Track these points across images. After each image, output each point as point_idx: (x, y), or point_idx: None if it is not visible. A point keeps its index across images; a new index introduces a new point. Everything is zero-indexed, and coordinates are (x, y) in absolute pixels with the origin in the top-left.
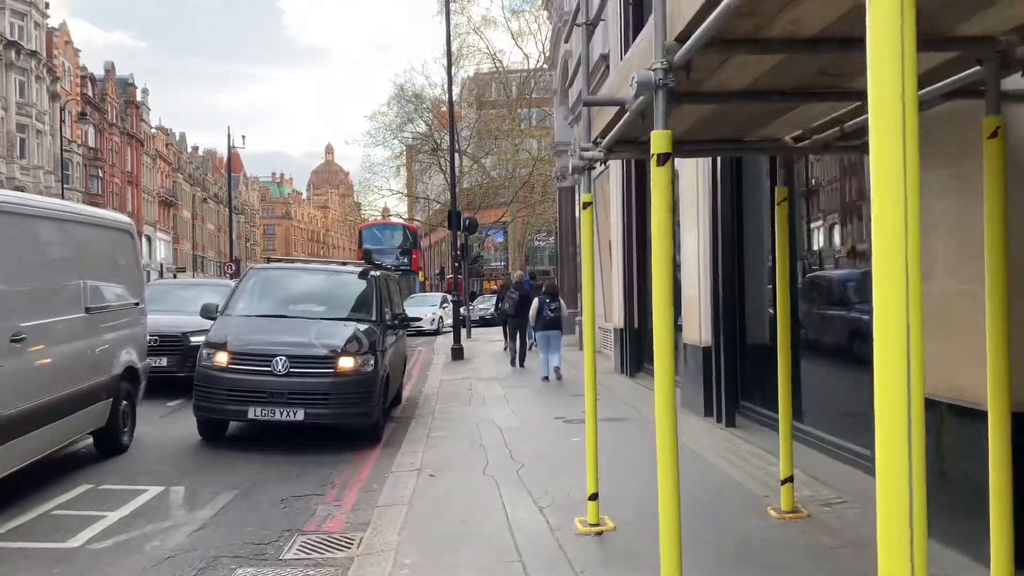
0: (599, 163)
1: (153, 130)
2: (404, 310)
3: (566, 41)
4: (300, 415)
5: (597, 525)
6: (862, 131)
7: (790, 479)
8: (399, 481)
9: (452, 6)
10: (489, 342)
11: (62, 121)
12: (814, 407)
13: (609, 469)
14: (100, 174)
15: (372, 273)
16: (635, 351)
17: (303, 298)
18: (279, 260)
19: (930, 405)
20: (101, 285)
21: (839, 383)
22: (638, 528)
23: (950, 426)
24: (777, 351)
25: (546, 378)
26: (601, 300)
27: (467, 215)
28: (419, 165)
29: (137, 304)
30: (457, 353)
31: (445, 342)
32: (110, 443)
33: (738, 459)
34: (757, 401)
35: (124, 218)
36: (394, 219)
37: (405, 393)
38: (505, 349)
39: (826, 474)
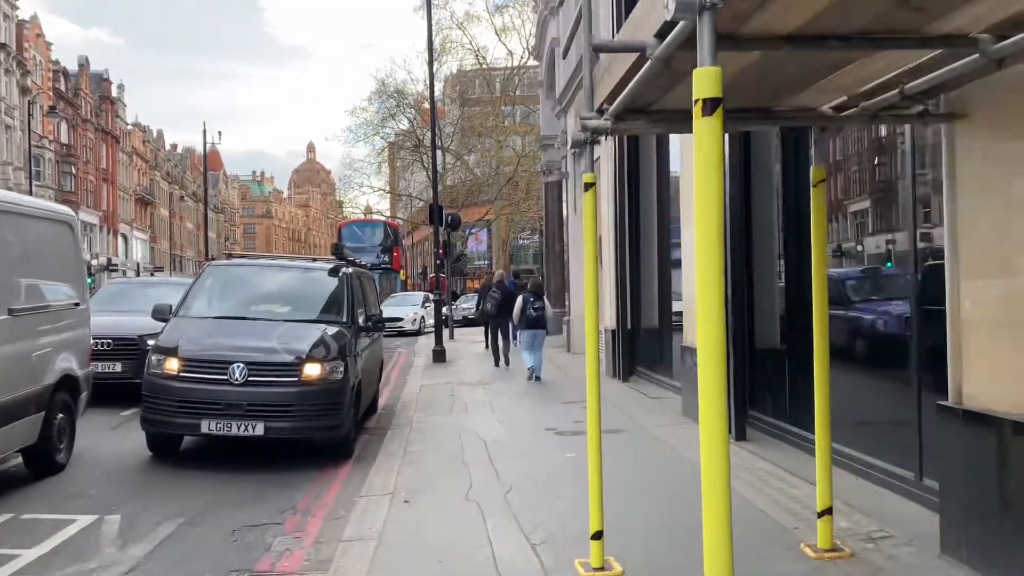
0: (604, 136)
1: (129, 127)
2: (381, 310)
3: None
4: (260, 429)
5: (602, 569)
6: (931, 92)
7: (829, 511)
8: (369, 508)
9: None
10: (472, 343)
11: (30, 115)
12: (842, 421)
13: (609, 493)
14: (73, 171)
15: (344, 270)
16: (628, 354)
17: (266, 298)
18: (241, 256)
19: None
20: (32, 283)
21: (870, 393)
22: (653, 573)
23: None
24: (794, 356)
25: (532, 376)
26: None
27: (450, 212)
28: (401, 162)
29: (77, 305)
30: (439, 355)
31: (427, 343)
32: (42, 462)
33: (755, 479)
34: (769, 411)
35: (63, 209)
36: (375, 216)
37: (382, 400)
38: (487, 348)
39: (861, 500)
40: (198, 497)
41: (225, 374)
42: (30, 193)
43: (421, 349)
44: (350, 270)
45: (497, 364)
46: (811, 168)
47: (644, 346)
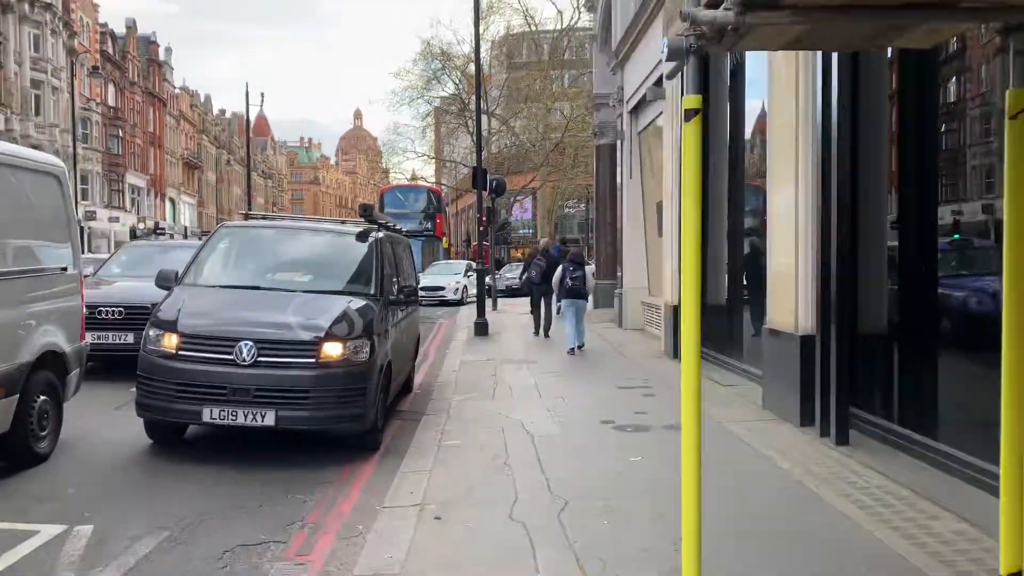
0: (727, 31)
1: (177, 90)
2: (417, 280)
3: None
4: (270, 419)
5: None
6: None
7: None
8: (392, 525)
9: None
10: (517, 315)
11: (74, 76)
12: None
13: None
14: (120, 134)
15: (374, 235)
16: (691, 330)
17: (284, 265)
18: (261, 217)
19: None
20: (6, 244)
21: None
22: None
23: None
24: (906, 344)
25: (572, 351)
26: (646, 271)
27: (494, 177)
28: (446, 127)
29: (65, 270)
30: (481, 328)
31: (469, 314)
32: (17, 453)
33: (874, 502)
34: (877, 411)
35: (50, 159)
36: (419, 182)
37: (418, 379)
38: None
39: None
40: (193, 501)
41: (231, 353)
42: (74, 155)
43: (463, 320)
44: (381, 234)
45: (536, 333)
46: (1007, 93)
47: (709, 324)
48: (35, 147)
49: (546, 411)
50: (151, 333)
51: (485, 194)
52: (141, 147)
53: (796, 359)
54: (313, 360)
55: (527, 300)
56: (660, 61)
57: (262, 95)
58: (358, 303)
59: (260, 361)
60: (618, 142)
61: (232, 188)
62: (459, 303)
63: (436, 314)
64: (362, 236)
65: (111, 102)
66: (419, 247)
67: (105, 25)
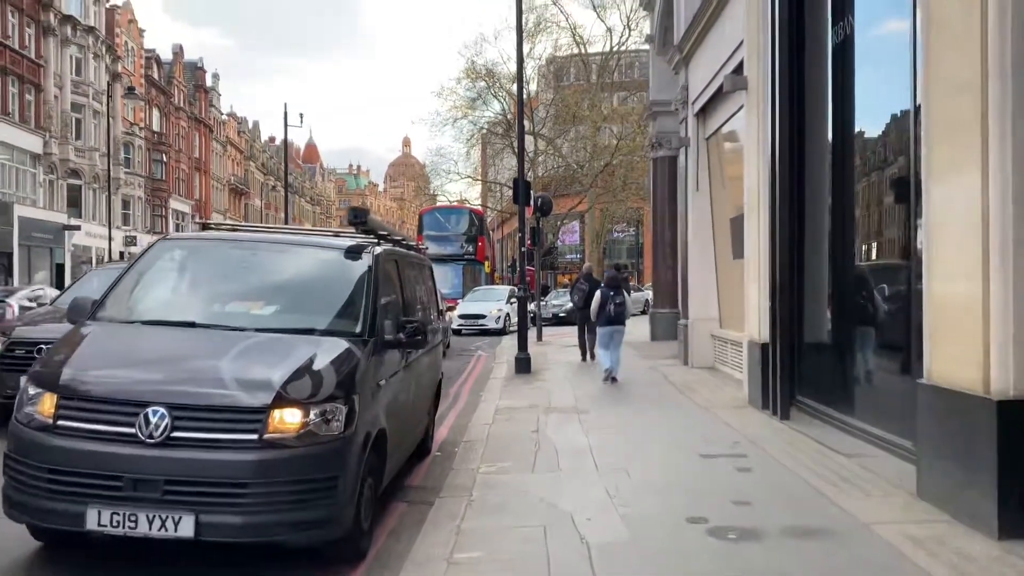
0: None
1: (224, 116)
2: (440, 309)
3: None
4: (187, 527)
5: None
6: None
7: None
8: None
9: None
10: (563, 347)
11: (110, 97)
12: None
13: None
14: (164, 159)
15: (371, 251)
16: (787, 378)
17: (240, 292)
18: (219, 227)
19: None
20: None
21: None
22: None
23: None
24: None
25: (613, 379)
26: (716, 299)
27: (540, 194)
28: (492, 149)
29: None
30: (522, 364)
31: (511, 344)
32: None
33: None
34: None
35: None
36: (461, 203)
37: (441, 433)
38: (583, 359)
39: None
40: None
41: (132, 425)
42: (108, 179)
43: (504, 352)
44: (380, 250)
45: (584, 359)
46: None
47: (810, 368)
48: (74, 172)
49: (606, 495)
50: (28, 392)
51: (529, 212)
52: (186, 172)
53: (988, 435)
54: (255, 437)
55: (575, 330)
56: (740, 44)
57: (301, 115)
58: (335, 347)
59: (175, 438)
60: (681, 150)
61: (279, 214)
62: (501, 332)
63: (475, 345)
64: (353, 253)
65: (155, 127)
66: (460, 271)
67: (152, 51)
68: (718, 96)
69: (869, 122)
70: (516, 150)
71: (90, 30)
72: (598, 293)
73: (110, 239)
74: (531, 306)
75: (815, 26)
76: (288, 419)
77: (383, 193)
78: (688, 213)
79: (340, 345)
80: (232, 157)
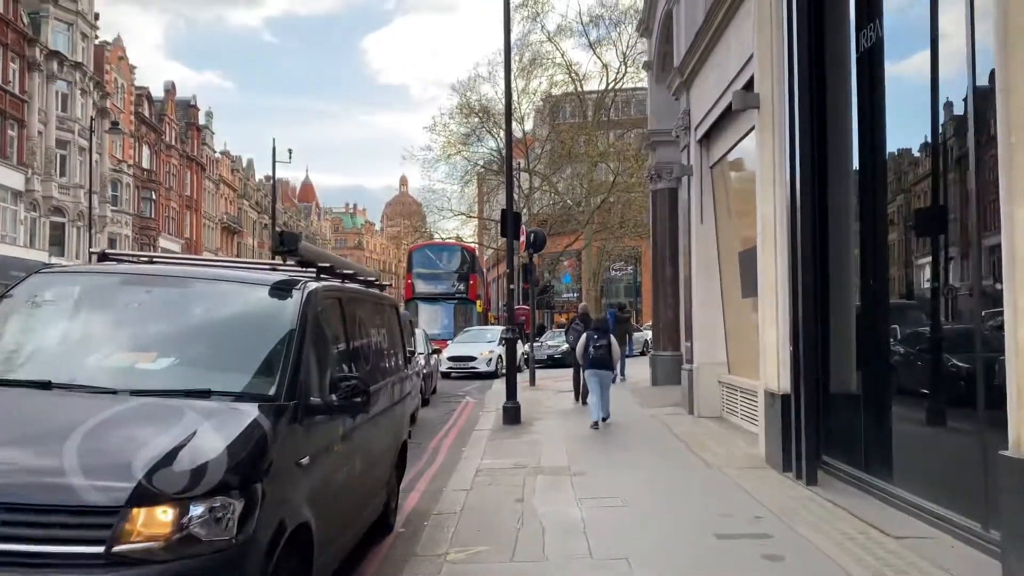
0: None
1: (217, 154)
2: (408, 358)
3: None
4: None
5: None
6: None
7: None
8: None
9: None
10: (557, 392)
11: (92, 132)
12: None
13: None
14: (154, 196)
15: (303, 287)
16: (813, 435)
17: (124, 339)
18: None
19: None
20: None
21: None
22: None
23: None
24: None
25: (595, 424)
26: (722, 340)
27: (533, 228)
28: (487, 186)
29: None
30: (511, 414)
31: (502, 389)
32: None
33: None
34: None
35: None
36: (453, 240)
37: (410, 502)
38: (576, 401)
39: None
40: None
41: None
42: (88, 217)
43: (493, 398)
44: (314, 287)
45: (577, 400)
46: None
47: (838, 423)
48: (57, 209)
49: None
50: None
51: (520, 246)
52: (177, 211)
53: None
54: (102, 549)
55: (570, 372)
56: (748, 59)
57: (290, 151)
58: (234, 417)
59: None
60: (683, 181)
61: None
62: (493, 375)
63: (463, 389)
64: (279, 291)
65: (145, 164)
66: (451, 311)
67: (143, 88)
68: (724, 120)
69: (905, 137)
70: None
71: (77, 66)
72: (582, 337)
73: None
74: (524, 347)
75: (836, 33)
76: (154, 521)
77: (380, 232)
78: (691, 248)
79: (242, 413)
80: (225, 195)
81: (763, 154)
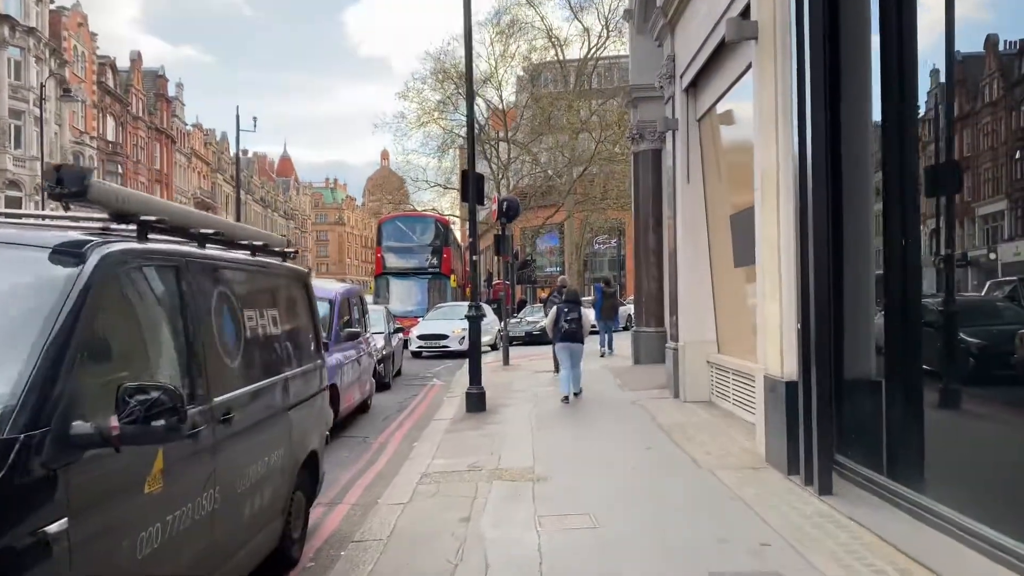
0: None
1: (189, 127)
2: (319, 348)
3: None
4: None
5: None
6: None
7: None
8: None
9: None
10: (534, 373)
11: (43, 100)
12: None
13: None
14: (119, 170)
15: (93, 249)
16: (826, 431)
17: None
18: None
19: None
20: None
21: None
22: None
23: None
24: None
25: (566, 398)
26: (711, 316)
27: (507, 196)
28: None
29: None
30: (474, 401)
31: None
32: None
33: None
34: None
35: None
36: (427, 212)
37: (330, 523)
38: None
39: None
40: None
41: None
42: (43, 188)
43: (462, 381)
44: (115, 250)
45: (556, 371)
46: None
47: (856, 417)
48: (13, 183)
49: None
50: None
51: (492, 215)
52: (145, 185)
53: None
54: None
55: (551, 349)
56: None
57: (254, 119)
58: None
59: None
60: (668, 136)
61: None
62: (467, 354)
63: (432, 370)
64: (63, 255)
65: (110, 136)
66: (424, 286)
67: (106, 57)
68: (714, 62)
69: (945, 58)
70: (488, 157)
71: (30, 31)
72: (553, 309)
73: None
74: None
75: None
76: None
77: (362, 207)
78: (676, 213)
79: None
80: (198, 170)
81: (762, 93)
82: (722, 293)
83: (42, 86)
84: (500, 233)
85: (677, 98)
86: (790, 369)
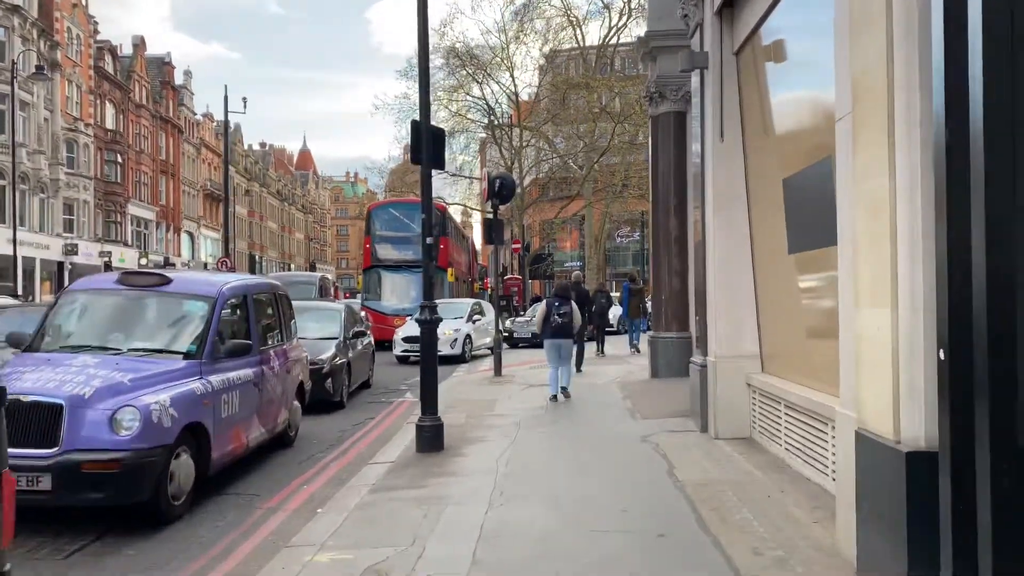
0: None
1: (198, 117)
2: None
3: None
4: None
5: None
6: None
7: None
8: None
9: None
10: (527, 387)
11: (11, 76)
12: None
13: None
14: (119, 159)
15: None
16: (1005, 541)
17: None
18: None
19: None
20: None
21: None
22: None
23: None
24: None
25: (554, 397)
26: (752, 321)
27: (500, 174)
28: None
29: None
30: (427, 438)
31: (464, 378)
32: None
33: None
34: None
35: None
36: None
37: None
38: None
39: None
40: None
41: None
42: (15, 176)
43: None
44: None
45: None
46: None
47: None
48: None
49: None
50: None
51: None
52: (150, 176)
53: None
54: None
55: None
56: None
57: (244, 100)
58: None
59: None
60: (695, 81)
61: (267, 223)
62: (459, 359)
63: (410, 380)
64: None
65: (109, 124)
66: (419, 281)
67: (105, 41)
68: None
69: None
70: (497, 141)
71: (15, 9)
72: (542, 304)
73: (15, 245)
74: (504, 324)
75: None
76: None
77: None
78: (706, 183)
79: None
80: (208, 161)
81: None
82: (769, 290)
83: (13, 63)
84: (492, 216)
85: (707, 25)
86: (914, 428)
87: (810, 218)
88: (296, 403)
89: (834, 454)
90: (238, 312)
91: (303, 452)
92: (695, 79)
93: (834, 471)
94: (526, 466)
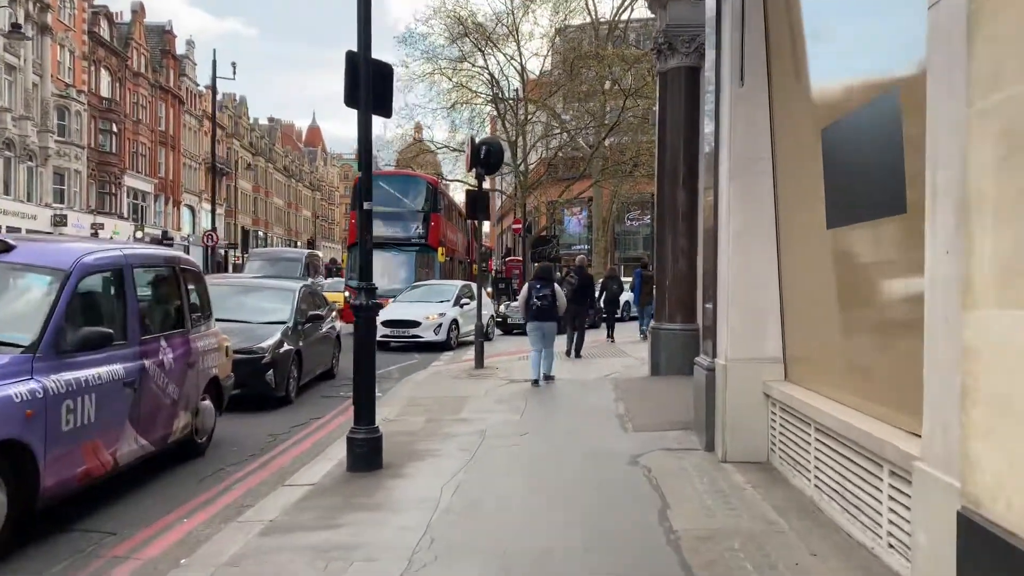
0: None
1: (201, 88)
2: None
3: None
4: None
5: None
6: None
7: None
8: None
9: None
10: (508, 382)
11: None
12: None
13: None
14: (115, 129)
15: None
16: None
17: None
18: None
19: None
20: None
21: None
22: None
23: None
24: None
25: (536, 382)
26: (775, 315)
27: (487, 139)
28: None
29: None
30: (361, 455)
31: (443, 369)
32: None
33: None
34: None
35: None
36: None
37: None
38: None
39: None
40: None
41: None
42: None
43: (415, 389)
44: None
45: (568, 355)
46: None
47: None
48: None
49: None
50: None
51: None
52: (148, 147)
53: None
54: None
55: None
56: None
57: (233, 65)
58: None
59: None
60: (708, 7)
61: (272, 198)
62: (444, 346)
63: (386, 369)
64: None
65: (105, 92)
66: (411, 260)
67: (101, 6)
68: None
69: None
70: (501, 114)
71: None
72: (525, 286)
73: None
74: (496, 309)
75: None
76: None
77: None
78: (720, 140)
79: None
80: (211, 133)
81: None
82: (798, 275)
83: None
84: (477, 188)
85: None
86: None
87: (861, 180)
88: (207, 403)
89: (895, 514)
90: (111, 291)
91: (212, 464)
92: (710, 7)
93: (896, 538)
94: (476, 501)
